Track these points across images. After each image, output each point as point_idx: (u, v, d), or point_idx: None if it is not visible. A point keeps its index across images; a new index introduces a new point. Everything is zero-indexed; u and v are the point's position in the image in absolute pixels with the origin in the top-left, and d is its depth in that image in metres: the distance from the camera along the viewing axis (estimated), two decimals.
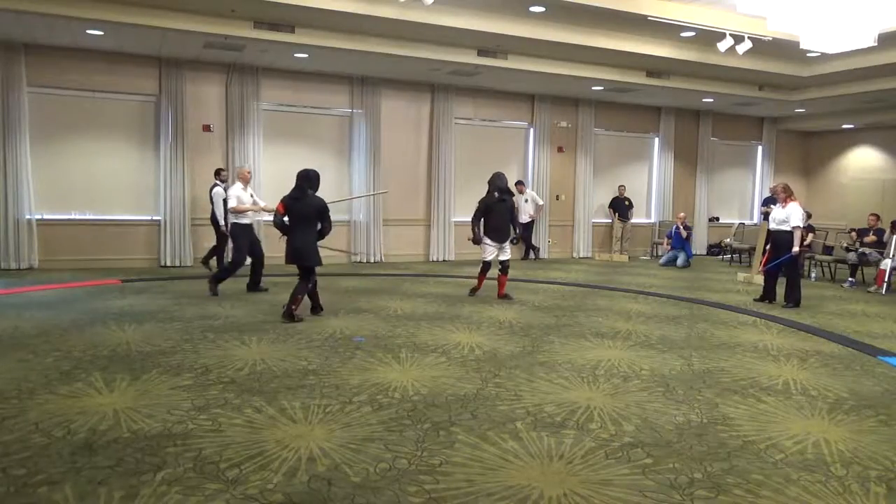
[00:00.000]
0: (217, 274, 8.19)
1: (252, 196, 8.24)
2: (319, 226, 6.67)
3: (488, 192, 8.10)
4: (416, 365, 5.12)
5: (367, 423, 3.84)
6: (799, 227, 8.10)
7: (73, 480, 3.01)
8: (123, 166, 10.52)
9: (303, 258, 6.63)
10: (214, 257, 9.98)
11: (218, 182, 9.81)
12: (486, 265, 8.29)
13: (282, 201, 6.65)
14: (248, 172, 8.41)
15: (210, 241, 10.42)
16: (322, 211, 6.62)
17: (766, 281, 8.65)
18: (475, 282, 8.60)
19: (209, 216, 9.97)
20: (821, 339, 6.51)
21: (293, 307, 6.55)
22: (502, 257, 8.15)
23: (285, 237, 6.69)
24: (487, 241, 8.05)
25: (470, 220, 8.19)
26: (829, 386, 4.89)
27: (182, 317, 6.68)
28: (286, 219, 6.61)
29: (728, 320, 7.36)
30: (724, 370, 5.24)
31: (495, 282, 8.45)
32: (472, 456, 3.42)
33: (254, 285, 8.35)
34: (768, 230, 8.58)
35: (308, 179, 6.61)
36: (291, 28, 8.94)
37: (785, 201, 8.25)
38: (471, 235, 8.15)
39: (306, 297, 6.80)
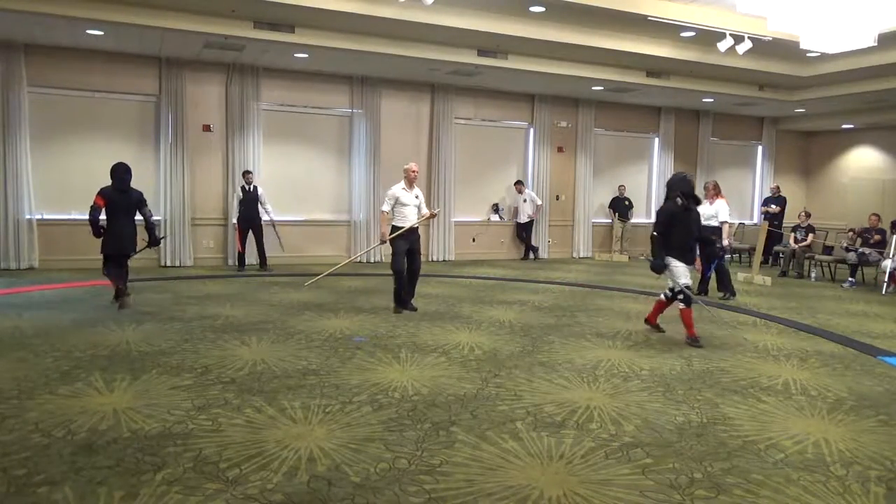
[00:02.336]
0: (396, 296, 7.36)
1: (418, 198, 7.32)
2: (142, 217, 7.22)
3: (668, 199, 6.30)
4: (416, 365, 5.12)
5: (367, 423, 3.84)
6: (727, 221, 8.61)
7: (73, 480, 3.01)
8: None
9: (128, 246, 7.11)
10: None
11: (244, 183, 10.27)
12: (688, 298, 6.14)
13: (102, 195, 6.93)
14: (415, 171, 7.34)
15: (210, 240, 10.48)
16: (141, 201, 7.19)
17: (718, 278, 8.91)
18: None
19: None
20: (821, 339, 6.51)
21: (122, 288, 7.09)
22: (685, 281, 6.19)
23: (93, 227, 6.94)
24: (674, 262, 6.13)
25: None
26: (829, 386, 4.89)
27: (182, 317, 6.68)
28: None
29: (728, 320, 7.36)
30: (724, 370, 5.24)
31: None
32: (472, 456, 3.42)
33: (405, 295, 7.44)
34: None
35: (129, 173, 7.12)
36: (291, 28, 8.94)
37: (713, 198, 8.67)
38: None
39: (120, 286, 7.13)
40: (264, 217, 10.32)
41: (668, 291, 6.31)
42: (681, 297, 6.15)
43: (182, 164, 10.59)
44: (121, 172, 7.08)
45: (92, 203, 6.91)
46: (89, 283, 8.61)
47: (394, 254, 7.17)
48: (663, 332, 6.45)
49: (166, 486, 2.98)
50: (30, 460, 3.21)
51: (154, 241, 7.33)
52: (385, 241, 7.18)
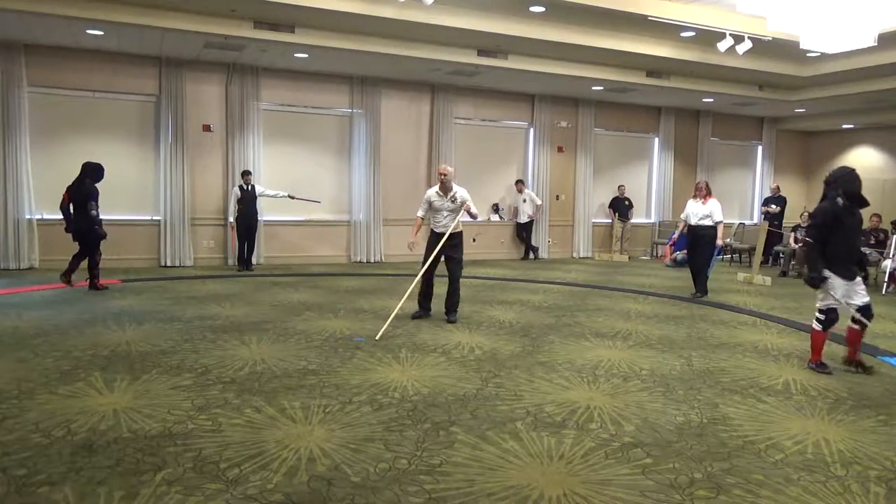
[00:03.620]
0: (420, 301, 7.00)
1: (454, 201, 6.73)
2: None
3: (825, 197, 5.25)
4: (416, 365, 5.12)
5: (367, 423, 3.84)
6: (722, 221, 8.64)
7: (73, 480, 3.01)
8: (123, 166, 10.51)
9: (77, 236, 8.07)
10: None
11: (243, 183, 10.37)
12: (830, 316, 5.20)
13: (67, 190, 7.99)
14: (443, 174, 6.78)
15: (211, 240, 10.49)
16: (84, 195, 7.98)
17: (694, 276, 8.96)
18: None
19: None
20: None
21: (96, 281, 8.14)
22: (857, 300, 5.22)
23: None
24: (832, 277, 5.14)
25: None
26: (829, 386, 4.89)
27: (182, 317, 6.68)
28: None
29: (728, 320, 7.36)
30: (724, 370, 5.24)
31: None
32: (472, 456, 3.42)
33: (448, 309, 6.93)
34: (689, 225, 8.85)
35: (85, 170, 8.00)
36: (291, 28, 8.94)
37: (705, 198, 8.69)
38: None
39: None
40: (279, 193, 10.62)
41: (856, 314, 5.23)
42: (821, 317, 5.22)
43: (182, 163, 10.60)
44: (88, 170, 8.04)
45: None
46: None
47: (426, 260, 6.76)
48: (870, 369, 5.30)
49: (166, 486, 2.98)
50: (30, 460, 3.21)
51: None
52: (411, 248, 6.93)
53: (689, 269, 9.15)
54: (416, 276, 6.84)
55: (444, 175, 6.75)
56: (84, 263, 8.21)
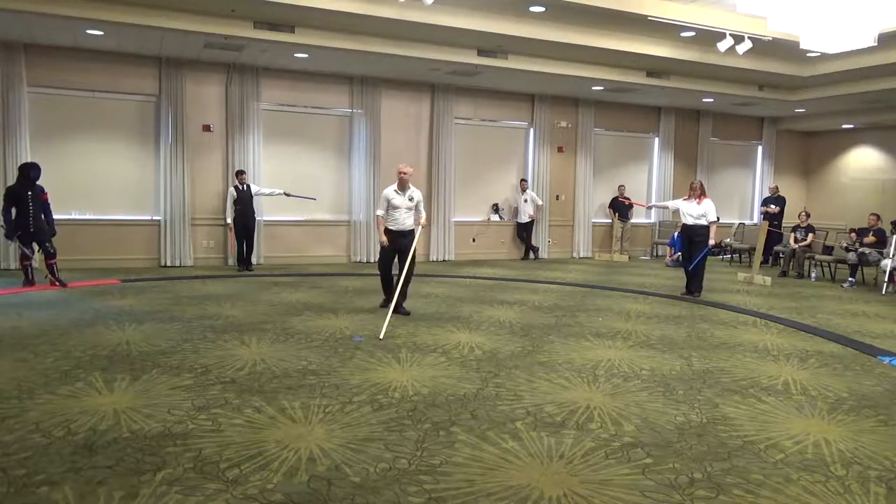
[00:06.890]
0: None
1: (413, 199, 7.13)
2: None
3: None
4: (416, 365, 5.12)
5: (367, 423, 3.84)
6: (716, 221, 8.76)
7: (73, 480, 3.01)
8: (123, 166, 10.52)
9: (45, 234, 8.42)
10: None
11: (238, 183, 10.36)
12: None
13: (13, 194, 8.28)
14: (402, 173, 7.10)
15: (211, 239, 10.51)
16: (41, 193, 8.41)
17: (688, 275, 9.06)
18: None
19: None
20: (821, 339, 6.51)
21: (56, 275, 8.36)
22: None
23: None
24: None
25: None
26: (829, 386, 4.89)
27: (182, 317, 6.68)
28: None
29: (728, 320, 7.36)
30: (724, 370, 5.24)
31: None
32: (472, 456, 3.42)
33: (397, 303, 7.01)
34: (685, 225, 8.94)
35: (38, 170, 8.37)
36: (291, 28, 8.94)
37: (700, 198, 8.76)
38: None
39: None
40: (274, 191, 10.69)
41: None
42: None
43: (182, 164, 10.59)
44: (34, 170, 8.36)
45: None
46: (89, 283, 8.62)
47: (380, 259, 7.40)
48: None
49: (166, 486, 2.98)
50: (30, 460, 3.21)
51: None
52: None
53: (684, 269, 9.20)
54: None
55: (407, 174, 7.12)
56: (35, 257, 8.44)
